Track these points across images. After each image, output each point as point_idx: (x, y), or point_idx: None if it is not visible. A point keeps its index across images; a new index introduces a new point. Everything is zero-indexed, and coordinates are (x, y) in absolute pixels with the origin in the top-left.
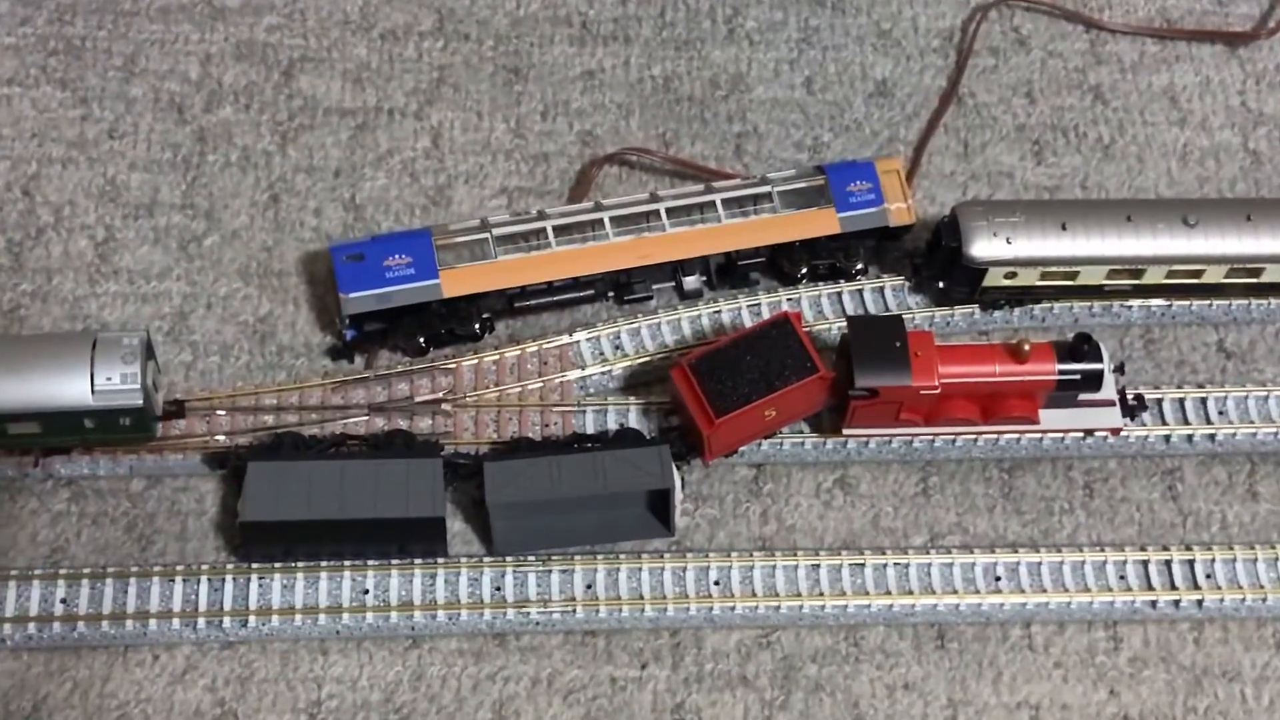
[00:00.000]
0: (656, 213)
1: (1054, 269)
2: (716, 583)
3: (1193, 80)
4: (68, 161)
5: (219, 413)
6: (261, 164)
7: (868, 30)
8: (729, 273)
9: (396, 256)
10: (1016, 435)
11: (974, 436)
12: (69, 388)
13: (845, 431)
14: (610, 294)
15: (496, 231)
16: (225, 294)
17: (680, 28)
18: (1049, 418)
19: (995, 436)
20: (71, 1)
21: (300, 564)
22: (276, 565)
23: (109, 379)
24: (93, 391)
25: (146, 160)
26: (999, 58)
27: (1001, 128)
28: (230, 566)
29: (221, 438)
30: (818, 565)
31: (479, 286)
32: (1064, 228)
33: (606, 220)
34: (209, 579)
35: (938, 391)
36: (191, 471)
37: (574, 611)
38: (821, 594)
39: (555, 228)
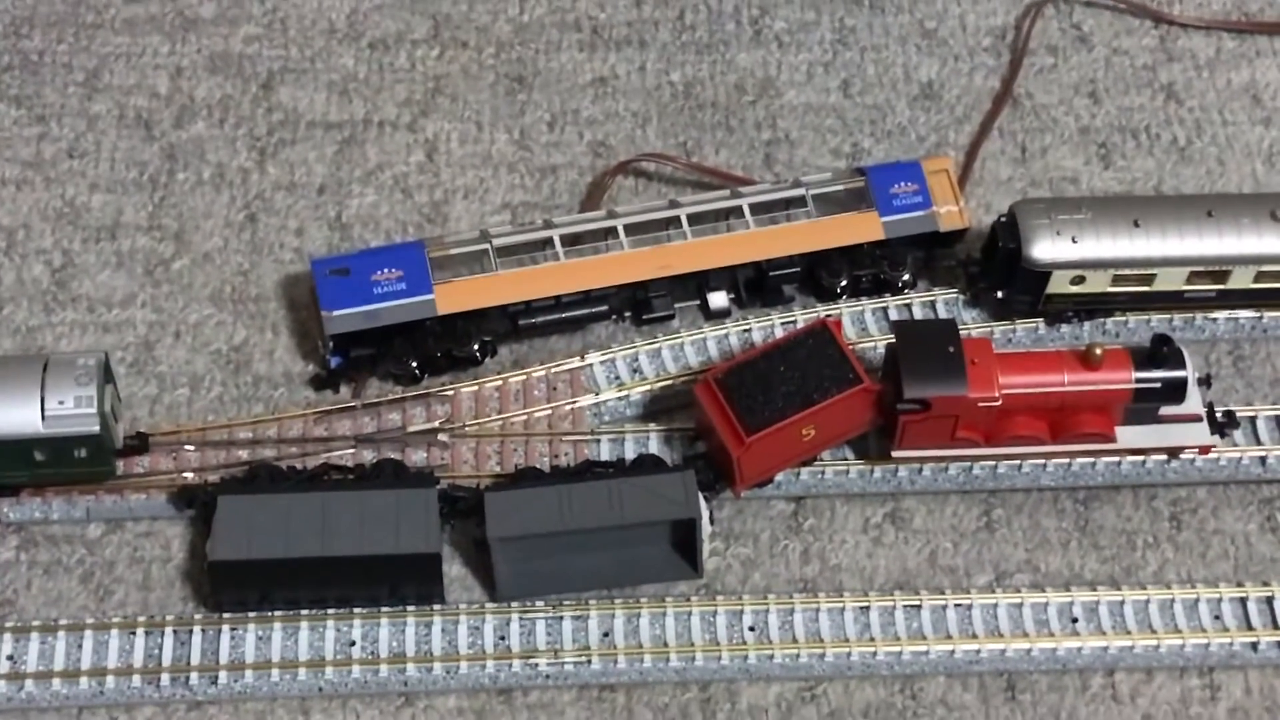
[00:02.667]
0: (677, 220)
1: (1127, 271)
2: (752, 628)
3: (1277, 77)
4: (22, 182)
5: (187, 447)
6: (237, 182)
7: (910, 29)
8: (759, 287)
9: (386, 270)
10: (1091, 460)
11: (1043, 462)
12: (16, 414)
13: (895, 454)
14: (627, 314)
15: (498, 242)
16: (196, 321)
17: (701, 30)
18: (1127, 436)
19: (1067, 461)
20: (29, 14)
21: (278, 612)
22: (250, 614)
23: (61, 403)
24: (43, 417)
25: (110, 180)
26: (1058, 56)
27: (1063, 130)
28: (198, 617)
29: (190, 475)
30: (867, 608)
31: (478, 302)
32: (1136, 225)
33: (621, 229)
34: (174, 630)
35: (998, 404)
36: (156, 513)
37: (589, 662)
38: (872, 640)
39: (563, 237)
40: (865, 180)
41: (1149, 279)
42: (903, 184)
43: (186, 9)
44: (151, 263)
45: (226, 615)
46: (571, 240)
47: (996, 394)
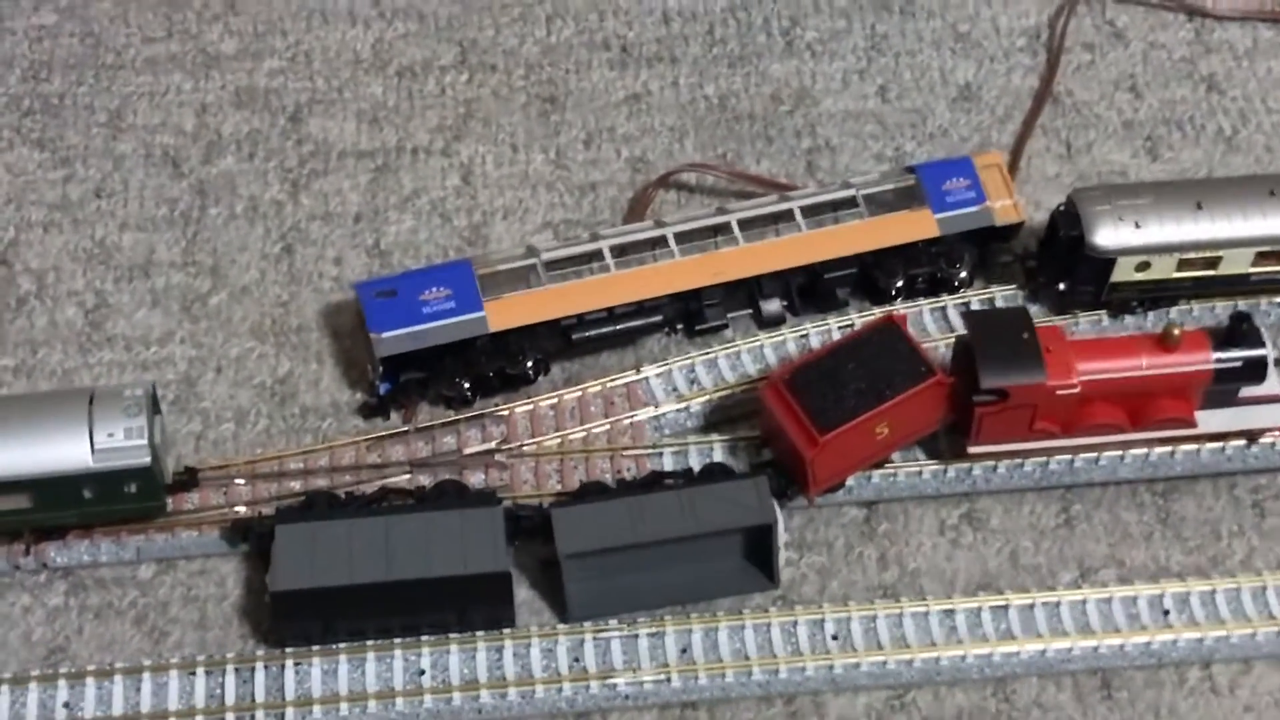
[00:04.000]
0: (727, 226)
1: (1192, 255)
2: (835, 637)
3: None
4: (50, 225)
5: (237, 481)
6: (271, 214)
7: (943, 33)
8: (813, 293)
9: (433, 290)
10: (1169, 449)
11: (1120, 453)
12: (64, 449)
13: (971, 450)
14: (679, 326)
15: (545, 256)
16: (237, 355)
17: (733, 44)
18: (1207, 420)
19: (1145, 452)
20: (47, 58)
21: (342, 644)
22: (314, 648)
23: (110, 435)
24: (92, 451)
25: (139, 218)
26: (1094, 53)
27: (1107, 125)
28: (260, 653)
29: (242, 509)
30: (952, 610)
31: (530, 317)
32: (1199, 206)
33: (670, 237)
34: (236, 669)
35: (1076, 391)
36: (208, 550)
37: (669, 680)
38: (960, 643)
39: (612, 249)
40: (916, 178)
41: (1214, 262)
42: (955, 180)
43: (208, 46)
44: (188, 299)
45: (289, 650)
46: (620, 251)
47: (1075, 381)
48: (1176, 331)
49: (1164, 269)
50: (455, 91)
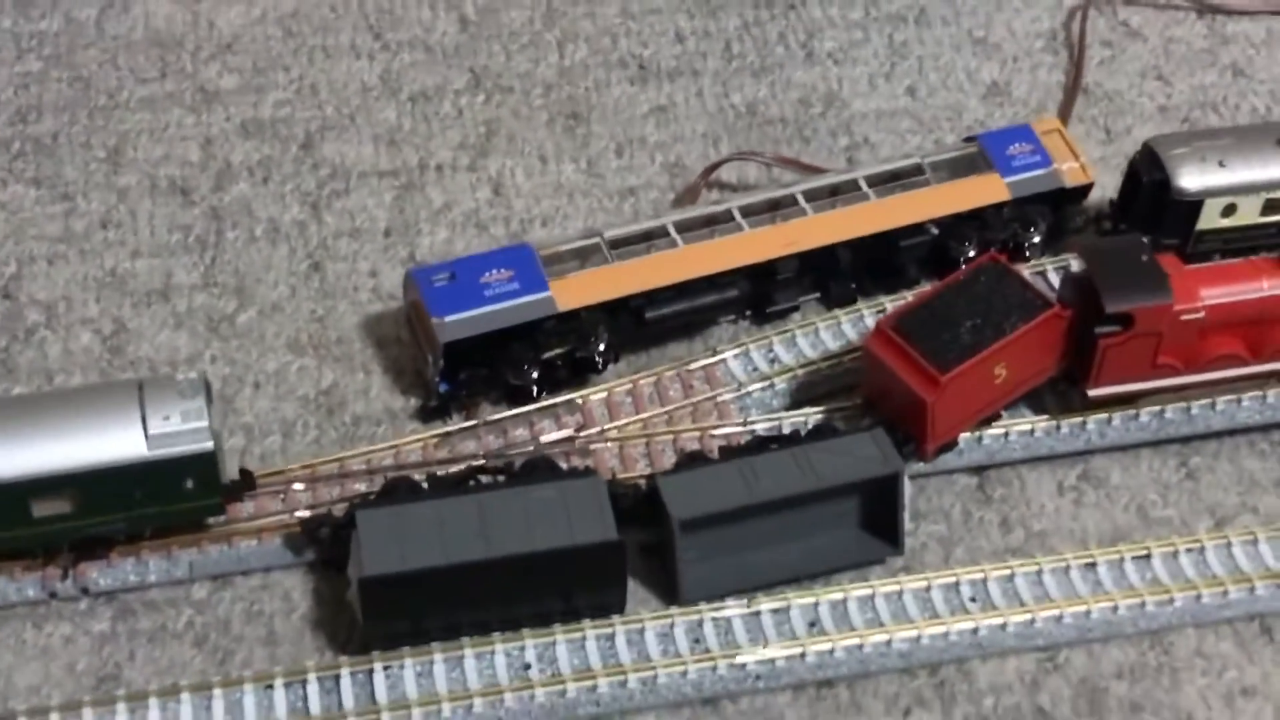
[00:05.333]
0: (793, 199)
1: (1278, 196)
2: (973, 599)
3: None
4: (54, 257)
5: (295, 487)
6: (294, 234)
7: (961, 39)
8: (884, 268)
9: (495, 272)
10: None
11: (1237, 398)
12: (115, 437)
13: (1091, 392)
14: (747, 313)
15: (609, 235)
16: (275, 369)
17: (751, 56)
18: None
19: (1262, 394)
20: (34, 102)
21: (435, 645)
22: (405, 649)
23: (166, 418)
24: (147, 437)
25: (152, 245)
26: (1114, 49)
27: (1141, 110)
28: (345, 660)
29: (304, 513)
30: (1093, 563)
31: (599, 295)
32: (1279, 142)
33: (736, 212)
34: (319, 678)
35: (1200, 316)
36: (270, 562)
37: (803, 656)
38: (1109, 595)
39: (677, 223)
40: (979, 146)
41: None
42: (1018, 145)
43: (206, 84)
44: (214, 319)
45: (377, 654)
46: (685, 228)
47: (1200, 305)
48: None
49: (1250, 212)
50: (473, 112)
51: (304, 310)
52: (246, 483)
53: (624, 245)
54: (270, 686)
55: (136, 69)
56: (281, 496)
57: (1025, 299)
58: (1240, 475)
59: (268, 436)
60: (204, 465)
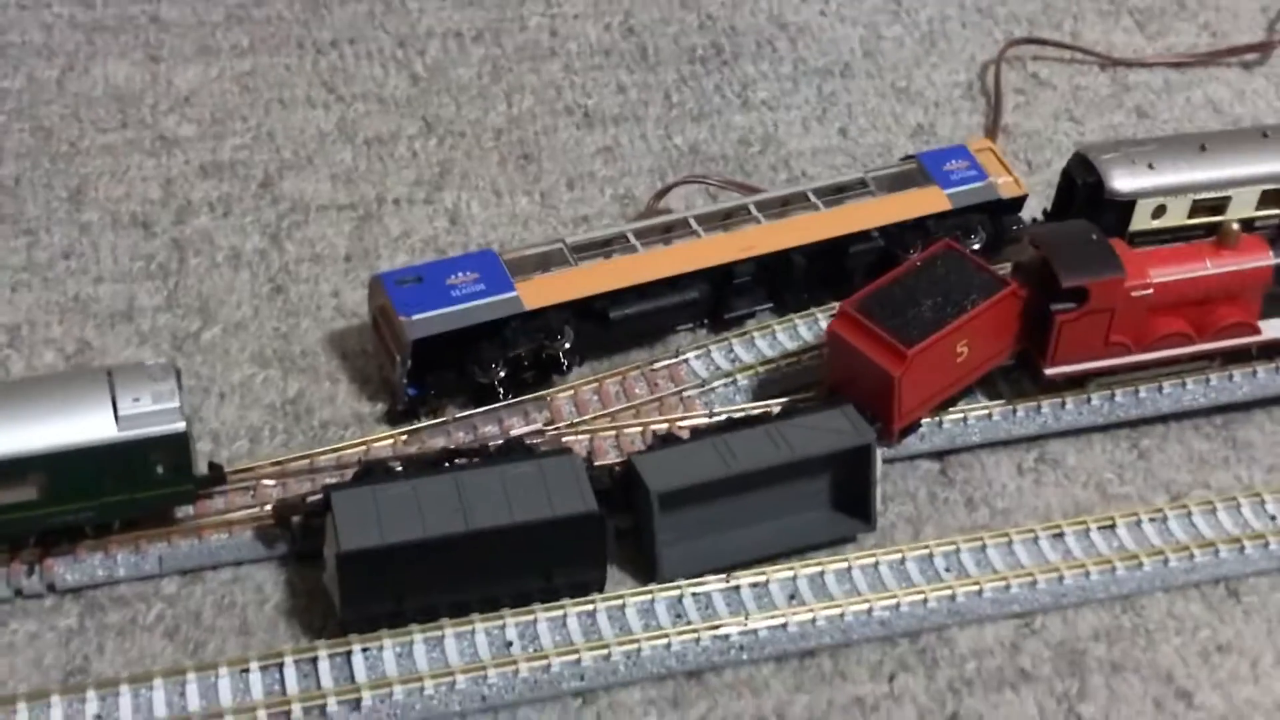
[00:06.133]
0: (745, 209)
1: (1205, 196)
2: (948, 570)
3: (1225, 92)
4: (18, 285)
5: (266, 482)
6: (255, 261)
7: (885, 89)
8: (831, 278)
9: (460, 274)
10: (1228, 374)
11: (1181, 383)
12: (83, 419)
13: (1048, 371)
14: (705, 321)
15: (571, 241)
16: (240, 380)
17: (690, 104)
18: (1270, 329)
19: (1205, 379)
20: None
21: (415, 627)
22: (384, 632)
23: (136, 400)
24: (117, 418)
25: (115, 273)
26: (1028, 95)
27: (1059, 146)
28: (322, 643)
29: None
30: (1061, 534)
31: (563, 295)
32: (1203, 149)
33: (692, 220)
34: (295, 660)
35: (1150, 294)
36: (241, 556)
37: (785, 627)
38: (1080, 562)
39: (637, 231)
40: (918, 163)
41: (1222, 206)
42: (954, 162)
43: (165, 132)
44: (178, 337)
45: (355, 637)
46: (646, 234)
47: (1149, 282)
48: (1235, 227)
49: (1178, 214)
50: (427, 154)
51: (267, 328)
52: (216, 476)
53: (586, 250)
54: (246, 670)
55: (97, 120)
56: (251, 492)
57: (983, 280)
58: (1190, 455)
59: (235, 441)
60: (176, 447)
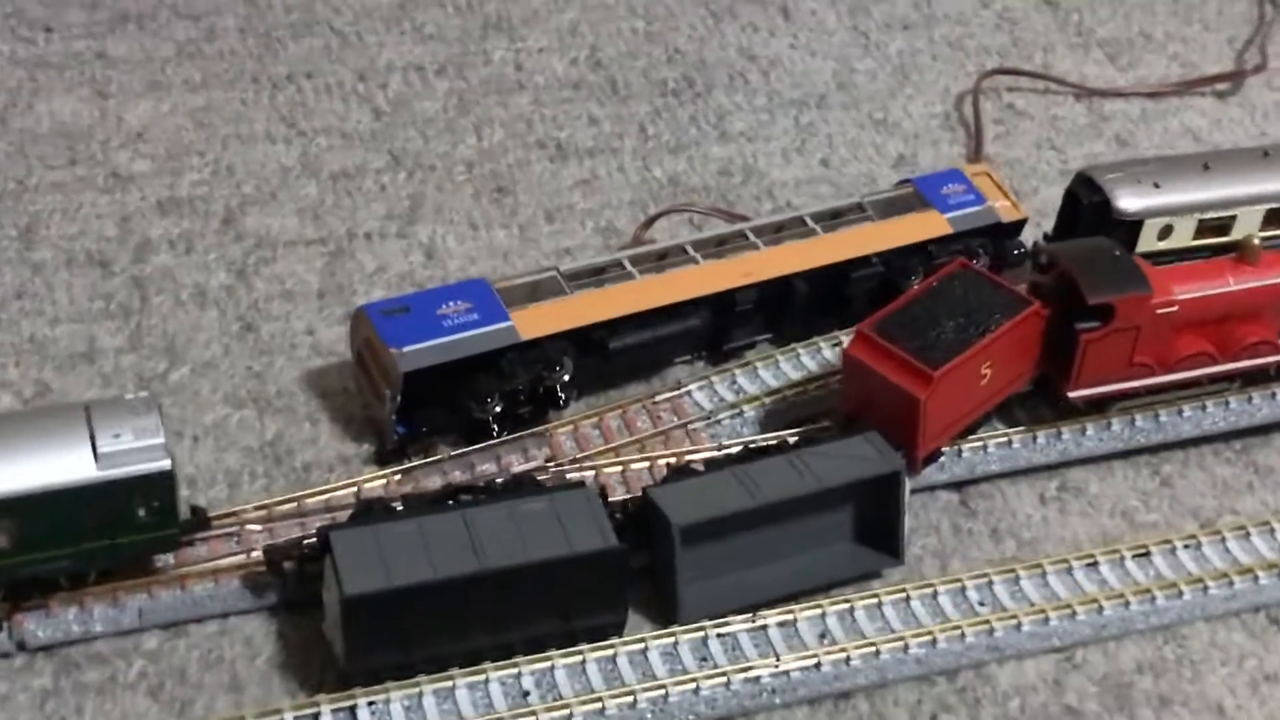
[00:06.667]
0: (742, 234)
1: (1211, 215)
2: (982, 604)
3: (1201, 121)
4: None
5: (251, 527)
6: (223, 298)
7: (862, 120)
8: (831, 306)
9: (451, 304)
10: (1248, 397)
11: (1202, 406)
12: (59, 458)
13: (1071, 394)
14: (702, 353)
15: (565, 268)
16: (213, 422)
17: (667, 136)
18: None
19: (1225, 402)
20: None
21: (423, 678)
22: (390, 685)
23: (117, 436)
24: (95, 456)
25: (72, 313)
26: (1006, 126)
27: (1044, 174)
28: (323, 697)
29: (267, 544)
30: (1095, 563)
31: (561, 325)
32: (1206, 168)
33: (689, 247)
34: (294, 716)
35: (1175, 310)
36: (228, 607)
37: (818, 667)
38: (1118, 592)
39: (632, 258)
40: (914, 188)
41: (1228, 227)
42: (951, 186)
43: (118, 169)
44: (145, 378)
45: (359, 690)
46: (641, 260)
47: (1174, 299)
48: (1256, 241)
49: (1184, 235)
50: (396, 188)
51: (239, 367)
52: (199, 521)
53: (580, 279)
54: None
55: (44, 157)
56: (236, 538)
57: (1005, 298)
58: (1213, 481)
59: (212, 487)
60: (160, 487)
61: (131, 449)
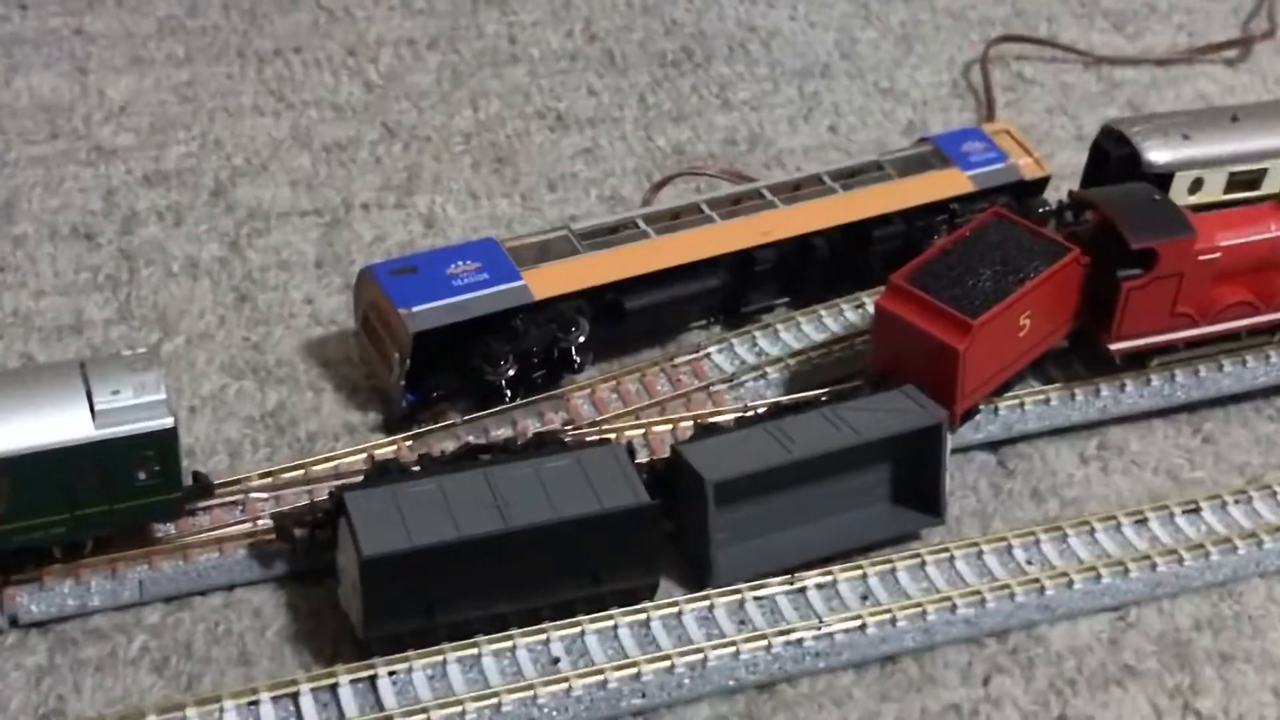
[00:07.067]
0: (758, 193)
1: (1241, 169)
2: (1030, 562)
3: (1213, 87)
4: None
5: (256, 495)
6: (216, 269)
7: (869, 89)
8: (850, 268)
9: (460, 264)
10: None
11: (1242, 361)
12: (54, 417)
13: (1113, 347)
14: (719, 318)
15: (577, 227)
16: (211, 393)
17: (669, 105)
18: None
19: (1266, 356)
20: None
21: (447, 646)
22: (411, 653)
23: (116, 392)
24: (93, 414)
25: (57, 286)
26: (1017, 93)
27: (1058, 138)
28: (341, 668)
29: (269, 523)
30: (1145, 519)
31: (575, 284)
32: (1235, 119)
33: (705, 205)
34: (311, 689)
35: (1217, 258)
36: (234, 578)
37: (863, 629)
38: (1172, 549)
39: (647, 217)
40: (933, 145)
41: (1257, 180)
42: (971, 143)
43: (101, 142)
44: (136, 349)
45: (379, 660)
46: (657, 219)
47: (1217, 245)
48: None
49: (1214, 188)
50: (392, 159)
51: (236, 337)
52: (202, 487)
53: (593, 238)
54: (255, 703)
55: (24, 132)
56: (240, 507)
57: (1043, 246)
58: (1257, 438)
59: (212, 456)
60: (163, 446)
61: (131, 405)
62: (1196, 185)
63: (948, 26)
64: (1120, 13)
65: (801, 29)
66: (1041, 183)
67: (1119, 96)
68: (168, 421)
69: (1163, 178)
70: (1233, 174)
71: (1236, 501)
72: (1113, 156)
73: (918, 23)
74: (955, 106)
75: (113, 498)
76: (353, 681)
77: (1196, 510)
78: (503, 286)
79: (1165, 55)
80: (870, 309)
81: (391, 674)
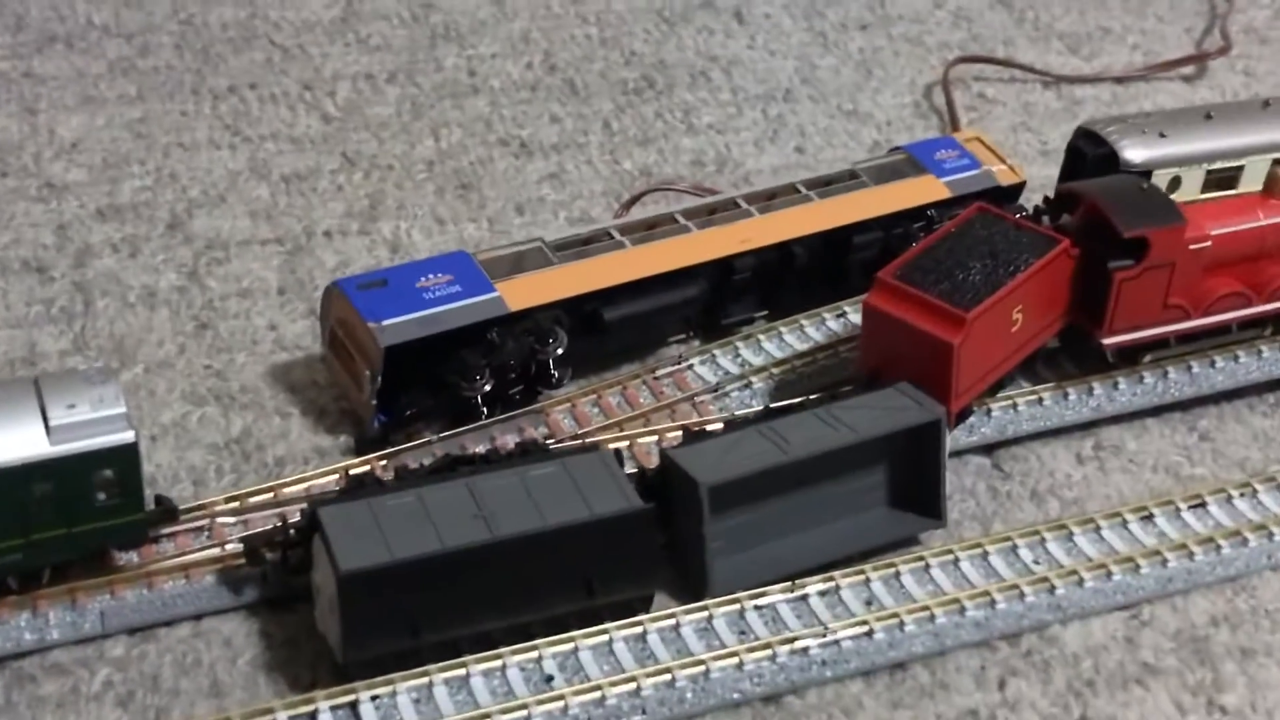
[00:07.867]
0: (733, 202)
1: (1219, 167)
2: (1037, 562)
3: (1173, 104)
4: None
5: (223, 520)
6: (174, 299)
7: (834, 111)
8: (829, 276)
9: (431, 276)
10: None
11: (1235, 357)
12: (9, 433)
13: (1106, 341)
14: (695, 331)
15: (550, 239)
16: (172, 421)
17: (633, 130)
18: None
19: (1258, 351)
20: None
21: (433, 666)
22: (395, 675)
23: (72, 406)
24: (48, 430)
25: (9, 319)
26: (979, 112)
27: (1027, 153)
28: (320, 693)
29: (238, 547)
30: (1150, 515)
31: (551, 295)
32: (1209, 118)
33: (679, 215)
34: (289, 716)
35: (1208, 247)
36: (201, 606)
37: (870, 634)
38: (1182, 544)
39: (621, 228)
40: (906, 154)
41: (1234, 179)
42: (945, 151)
43: (51, 179)
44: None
45: (361, 685)
46: (629, 231)
47: (1207, 234)
48: None
49: (1191, 187)
50: (353, 187)
51: (196, 365)
52: (166, 511)
53: (568, 249)
54: None
55: None
56: (207, 532)
57: (1031, 238)
58: (1254, 434)
59: (176, 484)
60: (123, 463)
61: (89, 420)
62: (1175, 184)
63: (905, 52)
64: (1075, 35)
65: (761, 57)
66: (1017, 189)
67: (1081, 113)
68: (128, 436)
69: (1141, 176)
70: (1210, 171)
71: (1242, 495)
72: (1089, 157)
73: (876, 49)
74: (920, 126)
75: (71, 521)
76: (333, 708)
77: (1203, 505)
78: (477, 298)
79: (1124, 73)
80: (852, 317)
81: (374, 698)
